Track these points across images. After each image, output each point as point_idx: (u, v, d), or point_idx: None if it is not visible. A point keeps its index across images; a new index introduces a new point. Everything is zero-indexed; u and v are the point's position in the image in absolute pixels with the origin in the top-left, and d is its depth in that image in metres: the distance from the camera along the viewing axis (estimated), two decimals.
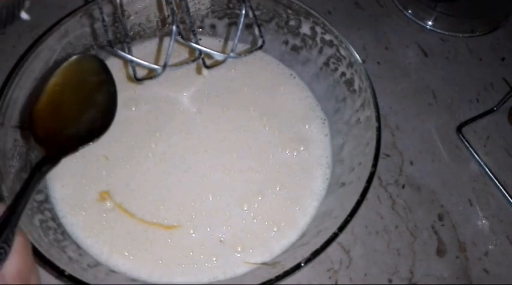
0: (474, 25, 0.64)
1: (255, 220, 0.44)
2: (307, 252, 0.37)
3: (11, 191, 0.39)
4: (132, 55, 0.39)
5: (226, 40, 0.54)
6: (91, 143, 0.37)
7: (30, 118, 0.37)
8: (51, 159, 0.34)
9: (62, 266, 0.34)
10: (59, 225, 0.43)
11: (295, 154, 0.48)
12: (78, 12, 0.46)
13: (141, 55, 0.51)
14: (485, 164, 0.53)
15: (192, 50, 0.51)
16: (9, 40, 0.56)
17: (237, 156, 0.47)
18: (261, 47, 0.43)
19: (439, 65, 0.60)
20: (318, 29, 0.48)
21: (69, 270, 0.35)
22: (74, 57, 0.39)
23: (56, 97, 0.38)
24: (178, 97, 0.51)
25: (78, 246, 0.42)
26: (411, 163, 0.52)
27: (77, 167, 0.46)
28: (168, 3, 0.40)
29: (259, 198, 0.45)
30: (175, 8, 0.40)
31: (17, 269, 0.26)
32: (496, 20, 0.65)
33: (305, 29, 0.50)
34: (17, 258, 0.26)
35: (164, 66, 0.39)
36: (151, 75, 0.40)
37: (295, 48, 0.52)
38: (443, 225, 0.49)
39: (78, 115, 0.38)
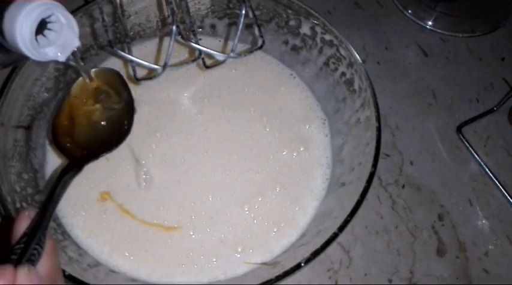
0: (474, 25, 0.64)
1: (255, 221, 0.44)
2: (307, 252, 0.37)
3: (11, 191, 0.39)
4: (132, 55, 0.39)
5: (226, 40, 0.54)
6: (112, 150, 0.39)
7: (52, 129, 0.39)
8: (75, 167, 0.36)
9: (61, 266, 0.34)
10: (59, 225, 0.43)
11: (295, 154, 0.48)
12: (78, 12, 0.46)
13: (141, 55, 0.51)
14: (485, 164, 0.53)
15: (192, 50, 0.51)
16: None
17: (237, 157, 0.47)
18: (261, 47, 0.43)
19: (439, 65, 0.60)
20: (318, 29, 0.48)
21: (69, 270, 0.35)
22: (92, 71, 0.40)
23: (75, 108, 0.40)
24: (179, 97, 0.51)
25: (78, 247, 0.42)
26: (411, 163, 0.52)
27: None
28: (168, 3, 0.40)
29: (260, 199, 0.45)
30: (175, 8, 0.39)
31: (47, 271, 0.27)
32: (496, 20, 0.65)
33: (305, 29, 0.50)
34: (46, 260, 0.27)
35: (164, 66, 0.39)
36: (151, 75, 0.40)
37: (295, 48, 0.52)
38: (443, 225, 0.49)
39: (98, 125, 0.40)
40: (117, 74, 0.42)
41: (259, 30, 0.43)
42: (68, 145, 0.38)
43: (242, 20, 0.40)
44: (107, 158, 0.46)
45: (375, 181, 0.50)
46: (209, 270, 0.42)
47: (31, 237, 0.27)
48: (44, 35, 0.33)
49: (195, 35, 0.42)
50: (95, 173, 0.45)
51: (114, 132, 0.40)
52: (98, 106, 0.40)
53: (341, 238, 0.39)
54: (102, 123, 0.40)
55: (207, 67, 0.42)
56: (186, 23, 0.42)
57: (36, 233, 0.28)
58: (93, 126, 0.40)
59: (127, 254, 0.42)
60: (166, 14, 0.52)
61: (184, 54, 0.53)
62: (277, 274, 0.36)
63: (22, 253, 0.26)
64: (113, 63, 0.51)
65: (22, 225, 0.28)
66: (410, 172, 0.52)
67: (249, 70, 0.53)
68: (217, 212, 0.44)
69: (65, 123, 0.39)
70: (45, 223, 0.29)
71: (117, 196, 0.44)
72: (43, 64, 0.45)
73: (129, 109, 0.41)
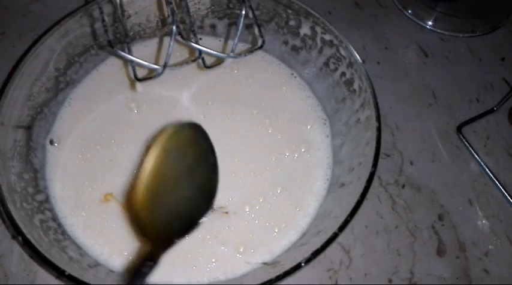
0: (474, 25, 0.64)
1: (256, 221, 0.44)
2: (307, 252, 0.37)
3: (11, 191, 0.39)
4: (132, 55, 0.39)
5: (226, 40, 0.54)
6: (197, 226, 0.34)
7: (132, 202, 0.33)
8: (152, 260, 0.32)
9: (62, 266, 0.34)
10: (59, 225, 0.42)
11: (296, 155, 0.48)
12: (78, 12, 0.46)
13: (141, 55, 0.50)
14: (485, 164, 0.53)
15: (192, 50, 0.51)
16: (9, 40, 0.56)
17: (239, 160, 0.47)
18: (261, 47, 0.43)
19: (439, 65, 0.60)
20: (318, 29, 0.48)
21: (69, 270, 0.35)
22: (171, 127, 0.34)
23: (156, 176, 0.33)
24: (182, 99, 0.50)
25: (78, 247, 0.42)
26: (411, 163, 0.52)
27: (79, 168, 0.46)
28: (168, 3, 0.40)
29: (261, 200, 0.45)
30: (175, 8, 0.40)
31: None
32: (496, 20, 0.65)
33: (305, 29, 0.50)
34: None
35: (164, 66, 0.39)
36: (151, 75, 0.40)
37: (295, 49, 0.52)
38: (443, 225, 0.49)
39: (180, 195, 0.34)
40: (197, 128, 0.35)
41: (259, 30, 0.42)
42: (150, 224, 0.32)
43: (242, 20, 0.40)
44: (112, 160, 0.46)
45: (375, 181, 0.50)
46: (209, 270, 0.42)
47: None
48: None
49: (195, 35, 0.42)
50: (98, 175, 0.45)
51: (197, 203, 0.34)
52: (179, 172, 0.34)
53: (341, 238, 0.39)
54: (184, 192, 0.34)
55: (207, 67, 0.42)
56: (186, 23, 0.42)
57: None
58: (175, 197, 0.33)
59: (126, 253, 0.42)
60: (166, 14, 0.52)
61: (184, 54, 0.53)
62: (277, 274, 0.36)
63: None
64: (113, 63, 0.51)
65: None
66: (410, 172, 0.52)
67: (251, 71, 0.53)
68: (219, 214, 0.44)
69: (146, 195, 0.32)
70: None
71: (121, 196, 0.44)
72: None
73: (212, 173, 0.35)
